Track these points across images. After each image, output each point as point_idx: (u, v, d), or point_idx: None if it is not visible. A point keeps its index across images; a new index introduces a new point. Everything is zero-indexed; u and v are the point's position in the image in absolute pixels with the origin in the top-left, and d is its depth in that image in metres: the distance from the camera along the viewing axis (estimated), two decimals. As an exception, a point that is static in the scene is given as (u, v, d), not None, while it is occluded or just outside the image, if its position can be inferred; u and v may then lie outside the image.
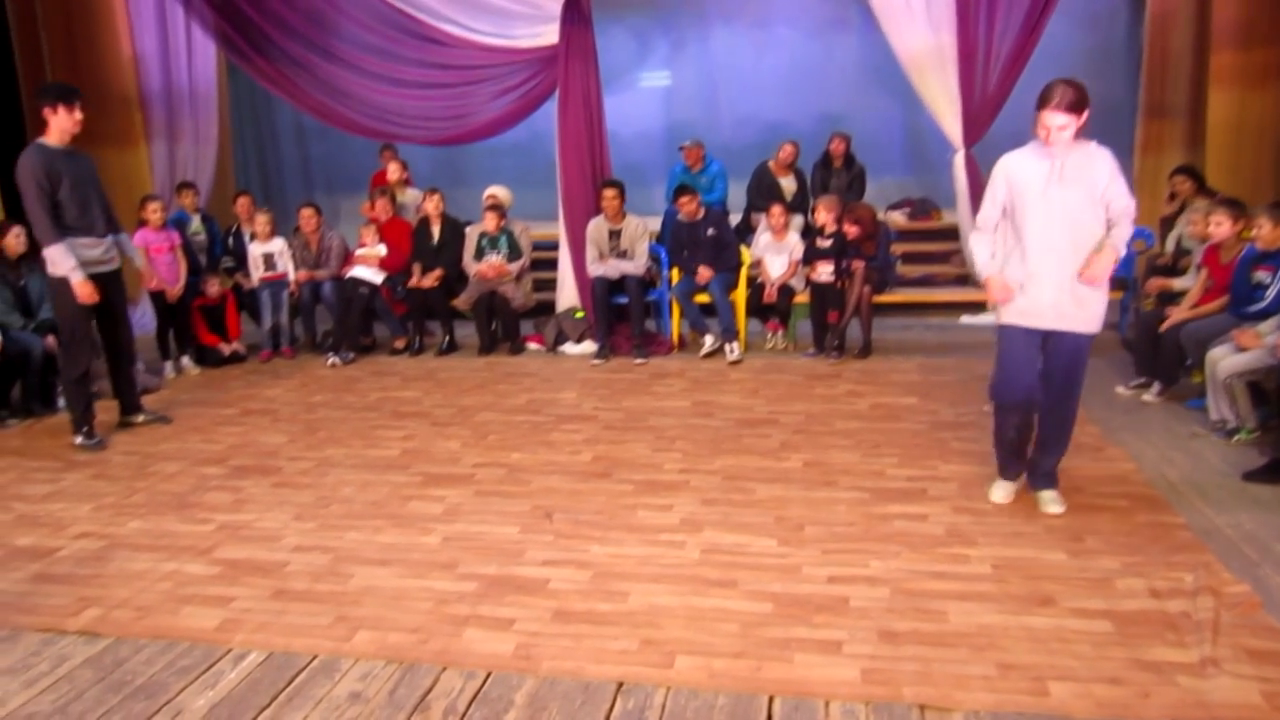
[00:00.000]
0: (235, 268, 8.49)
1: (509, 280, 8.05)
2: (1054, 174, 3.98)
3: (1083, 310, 4.08)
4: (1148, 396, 5.85)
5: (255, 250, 8.17)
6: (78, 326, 5.67)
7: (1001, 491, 4.39)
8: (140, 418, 6.13)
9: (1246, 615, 3.20)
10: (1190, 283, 6.12)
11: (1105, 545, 3.83)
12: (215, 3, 8.62)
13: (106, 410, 6.17)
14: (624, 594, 3.56)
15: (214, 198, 9.86)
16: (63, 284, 5.51)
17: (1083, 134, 3.97)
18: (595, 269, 7.77)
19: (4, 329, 6.24)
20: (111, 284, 5.80)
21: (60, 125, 5.43)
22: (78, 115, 5.46)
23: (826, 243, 7.41)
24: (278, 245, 8.20)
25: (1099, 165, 3.98)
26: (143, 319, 8.94)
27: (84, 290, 5.48)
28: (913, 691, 2.84)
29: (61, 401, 6.55)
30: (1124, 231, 4.01)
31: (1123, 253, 4.06)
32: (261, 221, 8.16)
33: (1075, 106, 3.86)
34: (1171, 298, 6.28)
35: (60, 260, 5.45)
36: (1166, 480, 4.53)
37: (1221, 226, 5.72)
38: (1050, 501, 4.25)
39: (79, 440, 5.72)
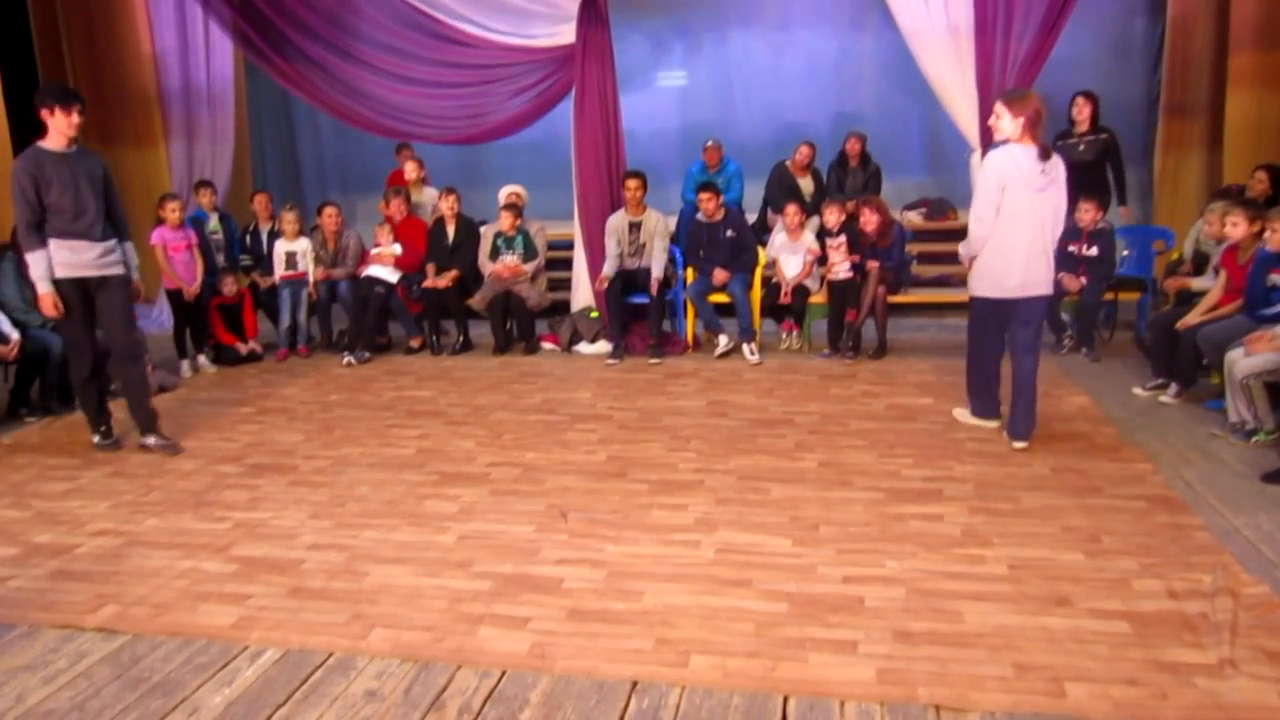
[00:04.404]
0: (252, 266, 8.53)
1: (524, 280, 8.06)
2: None
3: None
4: (1165, 398, 5.82)
5: (280, 248, 8.21)
6: (71, 330, 5.58)
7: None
8: (152, 440, 5.70)
9: (1265, 616, 3.18)
10: (1209, 283, 6.07)
11: (1123, 546, 3.81)
12: (233, 1, 8.66)
13: (126, 409, 6.21)
14: (639, 593, 3.56)
15: (231, 196, 9.91)
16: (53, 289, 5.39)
17: (1036, 138, 4.91)
18: (609, 268, 7.77)
19: (23, 327, 6.28)
20: (107, 289, 5.55)
21: (56, 127, 5.30)
22: (74, 119, 5.30)
23: (836, 241, 7.41)
24: (302, 245, 8.24)
25: None
26: (160, 317, 9.00)
27: (45, 303, 5.35)
28: (928, 692, 2.83)
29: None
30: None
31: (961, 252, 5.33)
32: (289, 220, 8.20)
33: (1005, 99, 4.92)
34: (1190, 298, 6.24)
35: (32, 266, 5.35)
36: (1184, 481, 4.51)
37: (1238, 227, 5.68)
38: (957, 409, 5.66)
39: (95, 440, 5.72)
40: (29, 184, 5.24)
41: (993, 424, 5.43)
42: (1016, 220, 4.90)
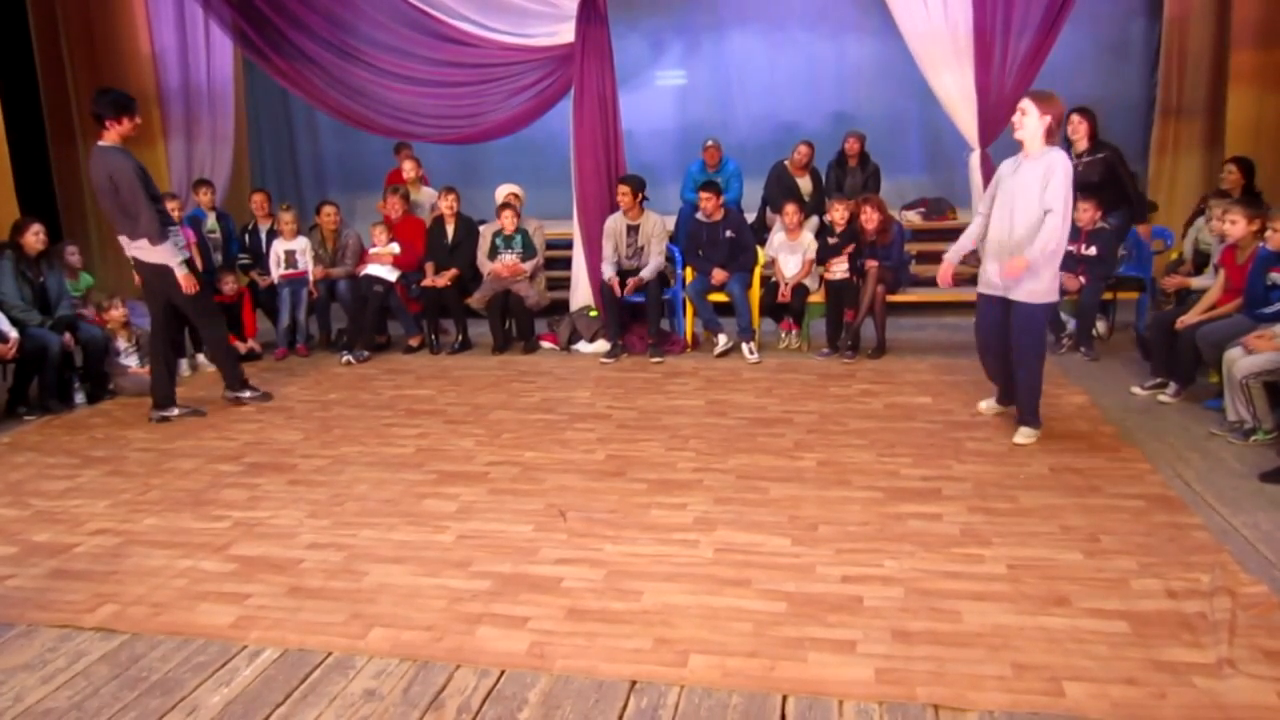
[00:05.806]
0: (251, 265, 8.52)
1: (523, 279, 8.06)
2: (1013, 167, 5.02)
3: (1020, 285, 4.97)
4: (1164, 397, 5.81)
5: (278, 247, 8.21)
6: (205, 302, 6.21)
7: (983, 404, 5.79)
8: (175, 411, 6.24)
9: (1263, 616, 3.19)
10: (1208, 282, 6.07)
11: (1121, 545, 3.81)
12: (233, 0, 8.65)
13: (126, 408, 6.21)
14: (637, 593, 3.56)
15: (230, 195, 9.91)
16: (169, 271, 5.87)
17: (1054, 140, 4.93)
18: (608, 270, 7.75)
19: (22, 326, 6.28)
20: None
21: (123, 133, 5.77)
22: (138, 122, 5.89)
23: (838, 240, 7.41)
24: (301, 244, 8.24)
25: (1045, 167, 4.82)
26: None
27: (188, 282, 5.89)
28: (927, 691, 2.83)
29: (79, 397, 6.65)
30: (1040, 239, 4.81)
31: (1033, 258, 4.86)
32: (287, 219, 8.20)
33: (1034, 96, 4.87)
34: (1189, 297, 6.23)
35: (170, 255, 5.83)
36: (1183, 480, 4.51)
37: (1236, 225, 5.67)
38: (1018, 435, 5.18)
39: (246, 395, 6.38)
40: (146, 177, 5.76)
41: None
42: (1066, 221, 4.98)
